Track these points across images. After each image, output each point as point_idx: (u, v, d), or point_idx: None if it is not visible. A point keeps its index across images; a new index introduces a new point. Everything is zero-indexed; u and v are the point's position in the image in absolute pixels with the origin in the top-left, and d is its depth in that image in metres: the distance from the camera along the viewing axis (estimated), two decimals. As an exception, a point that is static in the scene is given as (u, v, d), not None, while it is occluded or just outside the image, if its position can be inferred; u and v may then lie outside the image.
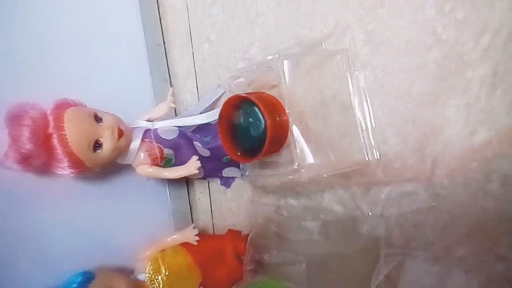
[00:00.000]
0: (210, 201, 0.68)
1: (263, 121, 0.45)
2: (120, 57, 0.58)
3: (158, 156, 0.50)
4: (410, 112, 0.42)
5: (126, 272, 0.52)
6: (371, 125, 0.44)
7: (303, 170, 0.45)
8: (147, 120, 0.52)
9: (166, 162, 0.52)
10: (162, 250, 0.54)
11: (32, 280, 0.46)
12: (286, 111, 0.47)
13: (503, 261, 0.37)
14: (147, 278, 0.51)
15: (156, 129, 0.51)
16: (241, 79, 0.52)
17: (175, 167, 0.52)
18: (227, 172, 0.60)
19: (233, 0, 0.57)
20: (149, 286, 0.50)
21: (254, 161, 0.50)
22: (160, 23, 0.69)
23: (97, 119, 0.45)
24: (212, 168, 0.58)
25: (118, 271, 0.51)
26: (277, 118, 0.46)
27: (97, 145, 0.45)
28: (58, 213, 0.49)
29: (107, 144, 0.45)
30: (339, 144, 0.46)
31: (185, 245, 0.55)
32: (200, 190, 0.69)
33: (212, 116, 0.54)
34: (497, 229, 0.37)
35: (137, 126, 0.51)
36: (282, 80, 0.46)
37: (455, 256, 0.40)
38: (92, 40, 0.55)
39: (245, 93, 0.47)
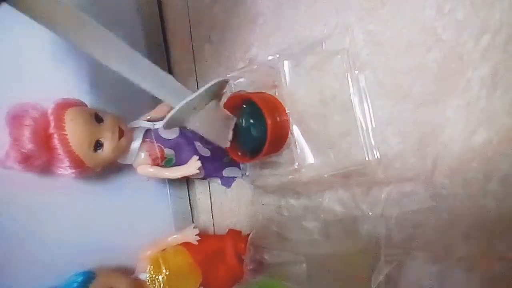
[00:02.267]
0: (211, 201, 0.68)
1: (263, 121, 0.45)
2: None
3: (159, 156, 0.50)
4: (410, 112, 0.41)
5: (127, 272, 0.52)
6: (371, 125, 0.44)
7: (303, 170, 0.45)
8: (147, 120, 0.52)
9: (167, 162, 0.52)
10: (163, 250, 0.54)
11: (32, 280, 0.46)
12: (287, 111, 0.47)
13: (503, 261, 0.37)
14: (148, 278, 0.51)
15: (157, 129, 0.52)
16: (241, 79, 0.52)
17: (175, 167, 0.52)
18: (228, 172, 0.60)
19: (234, 0, 0.57)
20: (150, 286, 0.50)
21: (254, 161, 0.50)
22: (160, 23, 0.69)
23: (98, 119, 0.45)
24: (213, 168, 0.58)
25: (119, 271, 0.51)
26: (278, 118, 0.46)
27: (98, 145, 0.45)
28: (58, 213, 0.49)
29: (108, 144, 0.45)
30: (339, 144, 0.46)
31: (186, 245, 0.55)
32: (200, 190, 0.69)
33: (213, 116, 0.54)
34: (497, 229, 0.37)
35: (137, 126, 0.51)
36: (283, 80, 0.46)
37: (455, 256, 0.40)
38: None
39: (246, 93, 0.48)
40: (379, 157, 0.44)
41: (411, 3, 0.40)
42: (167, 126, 0.40)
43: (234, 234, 0.57)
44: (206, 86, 0.38)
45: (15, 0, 0.28)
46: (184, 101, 0.37)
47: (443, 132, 0.40)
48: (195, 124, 0.40)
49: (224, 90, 0.44)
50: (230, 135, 0.44)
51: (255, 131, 0.47)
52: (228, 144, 0.44)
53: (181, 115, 0.39)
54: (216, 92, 0.41)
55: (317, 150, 0.45)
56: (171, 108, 0.38)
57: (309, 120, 0.46)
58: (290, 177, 0.47)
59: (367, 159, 0.44)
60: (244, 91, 0.50)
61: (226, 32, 0.60)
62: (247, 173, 0.55)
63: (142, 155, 0.50)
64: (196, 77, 0.66)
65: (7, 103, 0.42)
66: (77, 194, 0.51)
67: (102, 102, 0.50)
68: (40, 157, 0.41)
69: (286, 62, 0.46)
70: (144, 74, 0.36)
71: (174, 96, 0.38)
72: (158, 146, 0.50)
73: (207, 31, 0.63)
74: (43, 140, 0.41)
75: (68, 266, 0.46)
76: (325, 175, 0.45)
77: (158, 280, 0.50)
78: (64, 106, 0.44)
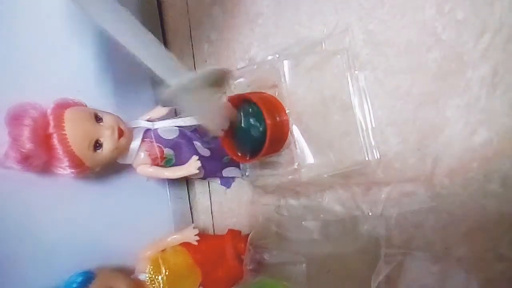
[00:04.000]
0: (210, 201, 0.68)
1: (263, 121, 0.45)
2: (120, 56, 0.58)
3: (158, 156, 0.50)
4: (410, 112, 0.42)
5: (127, 272, 0.52)
6: (371, 125, 0.44)
7: (303, 170, 0.45)
8: (147, 120, 0.52)
9: (166, 162, 0.52)
10: (163, 250, 0.54)
11: (32, 280, 0.46)
12: (286, 111, 0.47)
13: (503, 261, 0.37)
14: (148, 278, 0.51)
15: (157, 129, 0.51)
16: (241, 79, 0.52)
17: (175, 167, 0.52)
18: (227, 172, 0.60)
19: (233, 0, 0.57)
20: (150, 286, 0.50)
21: (254, 161, 0.50)
22: (160, 23, 0.69)
23: (97, 118, 0.45)
24: (212, 168, 0.58)
25: (119, 271, 0.50)
26: (277, 118, 0.46)
27: (97, 145, 0.45)
28: (58, 213, 0.49)
29: (107, 144, 0.45)
30: (339, 144, 0.46)
31: (185, 245, 0.55)
32: (200, 190, 0.69)
33: (213, 116, 0.54)
34: (497, 229, 0.37)
35: (137, 126, 0.51)
36: (282, 80, 0.46)
37: (455, 256, 0.40)
38: (91, 39, 0.55)
39: (246, 93, 0.48)
40: (379, 157, 0.44)
41: (411, 3, 0.40)
42: (163, 103, 0.39)
43: (233, 234, 0.57)
44: (203, 71, 0.38)
45: None
46: (179, 80, 0.37)
47: (443, 132, 0.40)
48: (188, 105, 0.40)
49: (226, 83, 0.43)
50: (224, 125, 0.43)
51: (254, 131, 0.47)
52: (220, 133, 0.43)
53: (175, 94, 0.38)
54: (215, 80, 0.40)
55: (317, 150, 0.45)
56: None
57: (309, 120, 0.46)
58: (290, 177, 0.47)
59: (367, 159, 0.44)
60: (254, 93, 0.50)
61: (225, 32, 0.60)
62: (247, 173, 0.55)
63: (142, 155, 0.50)
64: (196, 77, 0.66)
65: (7, 103, 0.42)
66: (77, 194, 0.51)
67: (101, 102, 0.50)
68: (39, 156, 0.41)
69: (286, 62, 0.45)
70: (145, 46, 0.36)
71: (170, 73, 0.37)
72: (158, 146, 0.50)
73: (206, 31, 0.63)
74: (43, 140, 0.41)
75: (68, 266, 0.46)
76: (325, 175, 0.45)
77: (157, 280, 0.50)
78: (63, 106, 0.44)
